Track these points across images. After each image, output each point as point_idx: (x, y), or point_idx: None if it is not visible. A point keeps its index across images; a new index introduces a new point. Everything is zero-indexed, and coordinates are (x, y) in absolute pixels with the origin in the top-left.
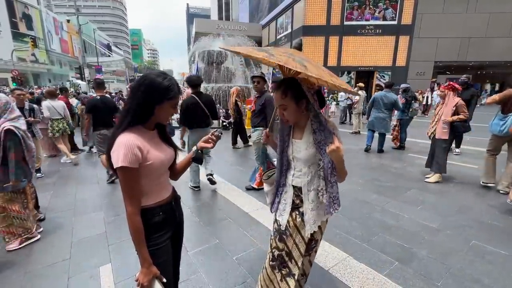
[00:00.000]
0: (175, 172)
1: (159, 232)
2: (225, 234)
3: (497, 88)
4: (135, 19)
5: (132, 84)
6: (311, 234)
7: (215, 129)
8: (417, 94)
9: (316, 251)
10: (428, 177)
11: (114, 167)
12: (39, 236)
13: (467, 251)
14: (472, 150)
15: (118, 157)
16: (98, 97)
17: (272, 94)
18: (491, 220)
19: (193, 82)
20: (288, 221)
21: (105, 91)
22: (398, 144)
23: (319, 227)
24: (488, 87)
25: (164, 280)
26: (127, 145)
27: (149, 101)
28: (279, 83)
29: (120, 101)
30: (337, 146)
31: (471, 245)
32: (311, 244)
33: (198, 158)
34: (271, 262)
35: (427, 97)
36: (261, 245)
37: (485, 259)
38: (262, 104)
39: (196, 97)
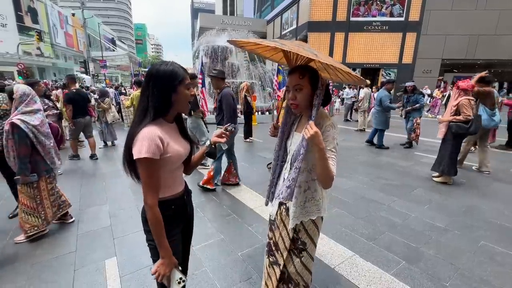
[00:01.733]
0: (189, 166)
1: (169, 226)
2: (230, 230)
3: (505, 86)
4: (140, 14)
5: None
6: (297, 233)
7: (229, 124)
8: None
9: (311, 258)
10: (435, 175)
11: (136, 157)
12: (47, 230)
13: (475, 251)
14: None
15: (142, 148)
16: (74, 90)
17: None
18: (500, 221)
19: None
20: (276, 213)
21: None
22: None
23: (305, 229)
24: (496, 85)
25: (180, 268)
26: (149, 136)
27: (164, 91)
28: (296, 66)
29: (121, 96)
30: (315, 131)
31: (479, 245)
32: (298, 243)
33: (212, 152)
34: (266, 247)
35: (449, 95)
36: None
37: (494, 260)
38: (219, 100)
39: None
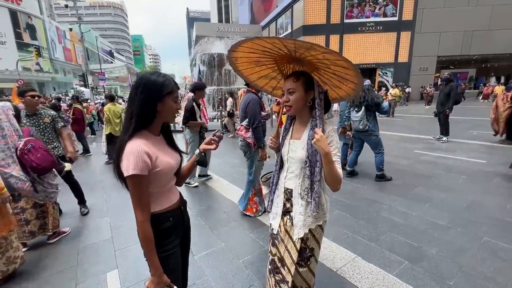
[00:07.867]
0: (180, 177)
1: (169, 238)
2: (231, 237)
3: (502, 80)
4: (136, 25)
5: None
6: (304, 242)
7: (217, 130)
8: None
9: (316, 261)
10: None
11: (124, 175)
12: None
13: (478, 248)
14: (479, 144)
15: (129, 165)
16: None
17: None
18: (502, 216)
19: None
20: (279, 226)
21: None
22: None
23: (313, 234)
24: (493, 80)
25: (175, 287)
26: (136, 152)
27: (150, 99)
28: (292, 72)
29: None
30: (320, 135)
31: (482, 242)
32: (305, 253)
33: (202, 161)
34: (268, 266)
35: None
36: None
37: (498, 256)
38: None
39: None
